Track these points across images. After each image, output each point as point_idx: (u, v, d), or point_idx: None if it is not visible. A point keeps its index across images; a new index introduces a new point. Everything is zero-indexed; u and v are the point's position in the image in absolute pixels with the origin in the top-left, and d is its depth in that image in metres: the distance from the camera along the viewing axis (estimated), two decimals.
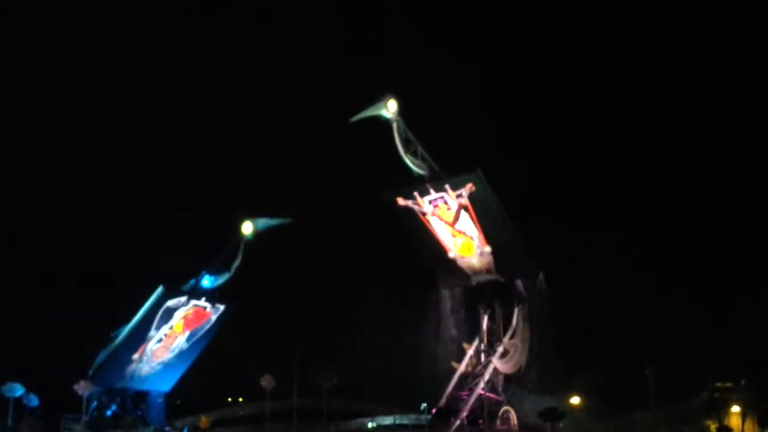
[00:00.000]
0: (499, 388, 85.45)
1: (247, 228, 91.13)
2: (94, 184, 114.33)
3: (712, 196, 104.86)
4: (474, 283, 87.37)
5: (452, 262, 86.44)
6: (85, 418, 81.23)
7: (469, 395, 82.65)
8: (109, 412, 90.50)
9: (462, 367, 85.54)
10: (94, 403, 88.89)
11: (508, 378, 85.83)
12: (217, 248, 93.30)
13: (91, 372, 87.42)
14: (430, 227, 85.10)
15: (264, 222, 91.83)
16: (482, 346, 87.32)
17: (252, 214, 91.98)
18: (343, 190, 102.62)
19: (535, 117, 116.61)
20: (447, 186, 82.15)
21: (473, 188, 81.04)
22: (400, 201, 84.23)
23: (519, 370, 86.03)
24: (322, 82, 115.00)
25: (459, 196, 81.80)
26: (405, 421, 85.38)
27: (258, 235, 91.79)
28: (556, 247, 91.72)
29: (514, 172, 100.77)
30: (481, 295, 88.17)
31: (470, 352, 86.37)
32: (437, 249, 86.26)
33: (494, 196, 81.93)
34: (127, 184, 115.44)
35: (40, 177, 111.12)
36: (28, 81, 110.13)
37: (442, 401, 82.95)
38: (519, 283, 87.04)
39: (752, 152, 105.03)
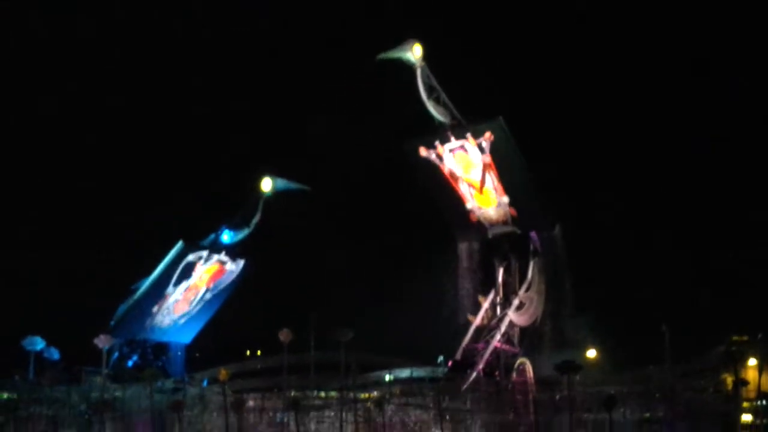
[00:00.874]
0: (515, 341, 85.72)
1: (267, 185, 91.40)
2: (117, 139, 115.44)
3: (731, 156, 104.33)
4: (490, 235, 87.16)
5: (469, 214, 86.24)
6: (105, 370, 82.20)
7: (485, 348, 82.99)
8: (130, 363, 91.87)
9: (478, 320, 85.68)
10: (116, 354, 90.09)
11: (523, 331, 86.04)
12: (238, 204, 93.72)
13: (112, 323, 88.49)
14: (448, 177, 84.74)
15: (283, 183, 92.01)
16: (498, 299, 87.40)
17: (272, 172, 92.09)
18: (364, 146, 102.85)
19: (563, 69, 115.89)
20: (468, 134, 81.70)
21: (492, 138, 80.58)
22: (422, 151, 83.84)
23: (535, 322, 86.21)
24: (345, 34, 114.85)
25: (480, 147, 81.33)
26: (422, 374, 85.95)
27: (277, 193, 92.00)
28: (574, 200, 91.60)
29: (536, 122, 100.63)
30: (497, 247, 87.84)
31: (486, 305, 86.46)
32: (455, 200, 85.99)
33: (515, 146, 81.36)
34: (151, 141, 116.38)
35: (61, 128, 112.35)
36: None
37: (458, 354, 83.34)
38: (534, 235, 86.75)
39: None
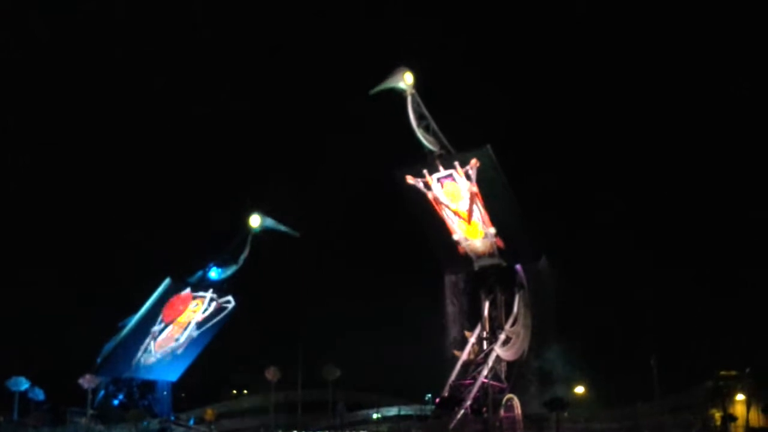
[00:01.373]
0: (502, 376, 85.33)
1: (255, 221, 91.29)
2: (104, 178, 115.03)
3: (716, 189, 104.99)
4: (477, 268, 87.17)
5: (457, 246, 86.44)
6: (90, 411, 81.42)
7: (472, 384, 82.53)
8: (116, 402, 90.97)
9: (464, 356, 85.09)
10: (102, 392, 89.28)
11: (510, 365, 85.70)
12: (225, 241, 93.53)
13: (99, 360, 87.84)
14: (436, 208, 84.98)
15: (272, 223, 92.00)
16: (484, 334, 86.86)
17: (261, 209, 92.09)
18: (350, 176, 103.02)
19: (550, 97, 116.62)
20: (456, 163, 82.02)
21: (478, 164, 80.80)
22: (409, 179, 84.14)
23: (521, 356, 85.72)
24: (335, 66, 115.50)
25: (467, 175, 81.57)
26: (410, 412, 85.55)
27: (265, 230, 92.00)
28: (559, 233, 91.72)
29: (525, 153, 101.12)
30: (483, 280, 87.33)
31: (472, 339, 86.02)
32: (442, 231, 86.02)
33: (503, 175, 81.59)
34: (138, 178, 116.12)
35: (45, 167, 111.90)
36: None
37: (445, 390, 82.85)
38: (520, 269, 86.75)
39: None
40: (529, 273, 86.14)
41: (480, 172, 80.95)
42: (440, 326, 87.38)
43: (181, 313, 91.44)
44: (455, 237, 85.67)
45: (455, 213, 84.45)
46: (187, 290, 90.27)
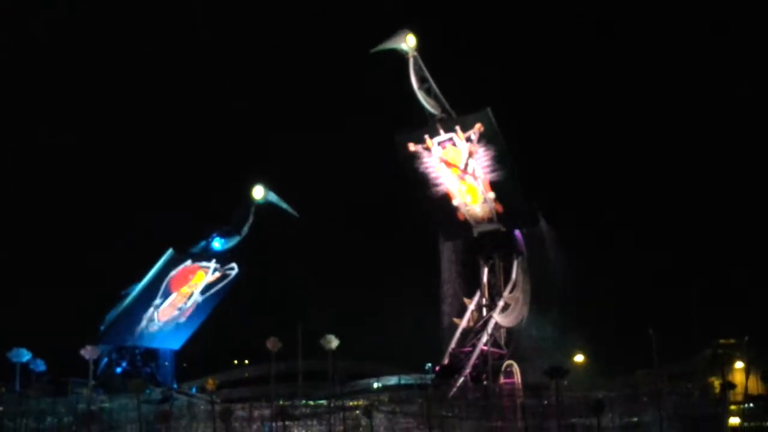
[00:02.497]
0: (502, 343, 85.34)
1: (258, 192, 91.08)
2: (108, 149, 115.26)
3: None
4: (476, 234, 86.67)
5: (456, 211, 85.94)
6: (92, 382, 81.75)
7: (471, 352, 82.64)
8: (119, 369, 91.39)
9: (464, 323, 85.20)
10: (105, 360, 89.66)
11: (510, 332, 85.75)
12: (228, 212, 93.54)
13: (102, 328, 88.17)
14: (436, 173, 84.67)
15: (275, 198, 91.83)
16: (483, 301, 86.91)
17: (264, 181, 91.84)
18: (353, 144, 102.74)
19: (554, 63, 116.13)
20: (457, 126, 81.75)
21: (482, 129, 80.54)
22: (411, 146, 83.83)
23: (521, 323, 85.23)
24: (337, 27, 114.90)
25: (468, 138, 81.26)
26: (410, 381, 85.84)
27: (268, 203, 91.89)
28: (561, 197, 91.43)
29: (525, 115, 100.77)
30: (482, 246, 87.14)
31: (471, 307, 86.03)
32: (442, 196, 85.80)
33: (502, 138, 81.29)
34: (143, 151, 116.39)
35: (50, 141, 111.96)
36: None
37: (445, 358, 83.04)
38: (518, 234, 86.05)
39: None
40: (528, 238, 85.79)
41: (480, 135, 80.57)
42: (438, 294, 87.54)
43: (188, 282, 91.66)
44: (455, 202, 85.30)
45: (456, 176, 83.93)
46: (191, 262, 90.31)
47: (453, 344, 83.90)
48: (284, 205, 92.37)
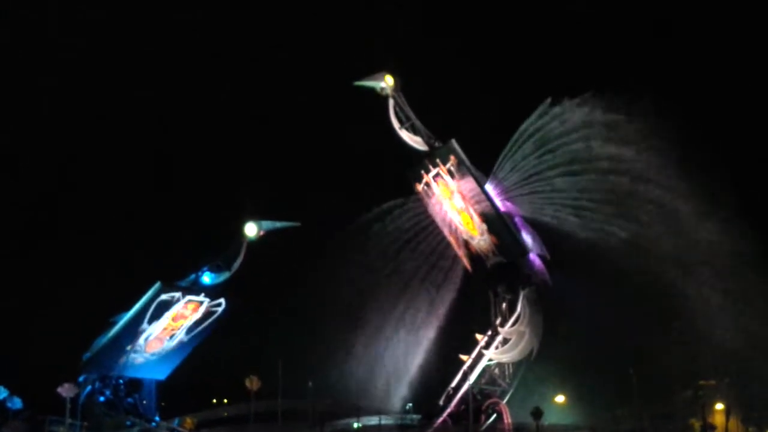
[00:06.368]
0: (505, 378, 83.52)
1: (251, 230, 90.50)
2: (98, 179, 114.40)
3: None
4: (488, 266, 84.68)
5: (468, 245, 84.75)
6: (69, 420, 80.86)
7: (456, 392, 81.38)
8: (102, 398, 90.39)
9: (470, 361, 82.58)
10: (88, 388, 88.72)
11: (519, 365, 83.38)
12: (222, 246, 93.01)
13: (88, 355, 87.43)
14: (439, 207, 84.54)
15: (269, 224, 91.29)
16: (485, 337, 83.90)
17: (258, 214, 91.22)
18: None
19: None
20: (437, 160, 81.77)
21: (455, 161, 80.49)
22: (417, 187, 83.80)
23: (530, 356, 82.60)
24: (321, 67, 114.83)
25: (449, 171, 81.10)
26: (390, 421, 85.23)
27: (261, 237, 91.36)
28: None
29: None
30: (489, 281, 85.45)
31: (482, 343, 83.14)
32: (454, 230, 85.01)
33: (474, 169, 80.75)
34: (133, 180, 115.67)
35: (41, 166, 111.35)
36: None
37: (442, 398, 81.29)
38: (535, 260, 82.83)
39: None
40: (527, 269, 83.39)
41: (457, 167, 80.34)
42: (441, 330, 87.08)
43: (185, 317, 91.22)
44: (463, 236, 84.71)
45: (454, 209, 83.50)
46: (181, 295, 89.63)
47: (454, 383, 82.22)
48: (280, 225, 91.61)
